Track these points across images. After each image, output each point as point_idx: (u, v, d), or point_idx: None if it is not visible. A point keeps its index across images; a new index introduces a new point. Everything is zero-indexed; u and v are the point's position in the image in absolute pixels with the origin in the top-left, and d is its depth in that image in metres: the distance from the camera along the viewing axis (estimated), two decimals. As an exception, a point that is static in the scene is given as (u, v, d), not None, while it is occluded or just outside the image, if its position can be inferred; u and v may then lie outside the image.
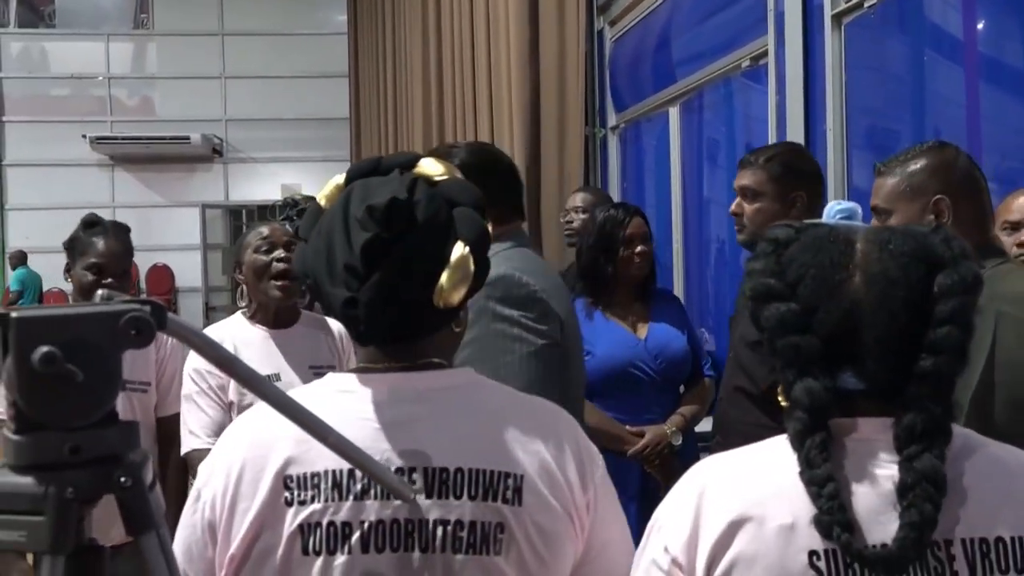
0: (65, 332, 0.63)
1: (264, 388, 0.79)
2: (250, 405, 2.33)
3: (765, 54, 3.32)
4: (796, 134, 3.03)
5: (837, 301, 0.92)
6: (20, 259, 10.71)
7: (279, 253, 2.22)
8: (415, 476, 0.99)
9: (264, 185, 11.39)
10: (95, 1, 12.39)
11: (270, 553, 0.98)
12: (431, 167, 1.07)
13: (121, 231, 2.39)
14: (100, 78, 12.01)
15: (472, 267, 1.01)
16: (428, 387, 1.04)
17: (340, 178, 1.09)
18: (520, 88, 4.81)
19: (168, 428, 2.31)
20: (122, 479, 0.64)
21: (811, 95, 3.02)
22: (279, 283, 2.21)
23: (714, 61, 3.87)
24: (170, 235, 11.72)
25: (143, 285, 11.49)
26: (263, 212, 11.16)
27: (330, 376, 1.09)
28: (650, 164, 4.84)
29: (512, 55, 4.91)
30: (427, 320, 1.03)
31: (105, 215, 2.54)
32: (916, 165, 1.66)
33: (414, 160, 1.09)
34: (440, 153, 1.89)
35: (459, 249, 1.00)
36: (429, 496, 0.99)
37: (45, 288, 10.69)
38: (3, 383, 0.65)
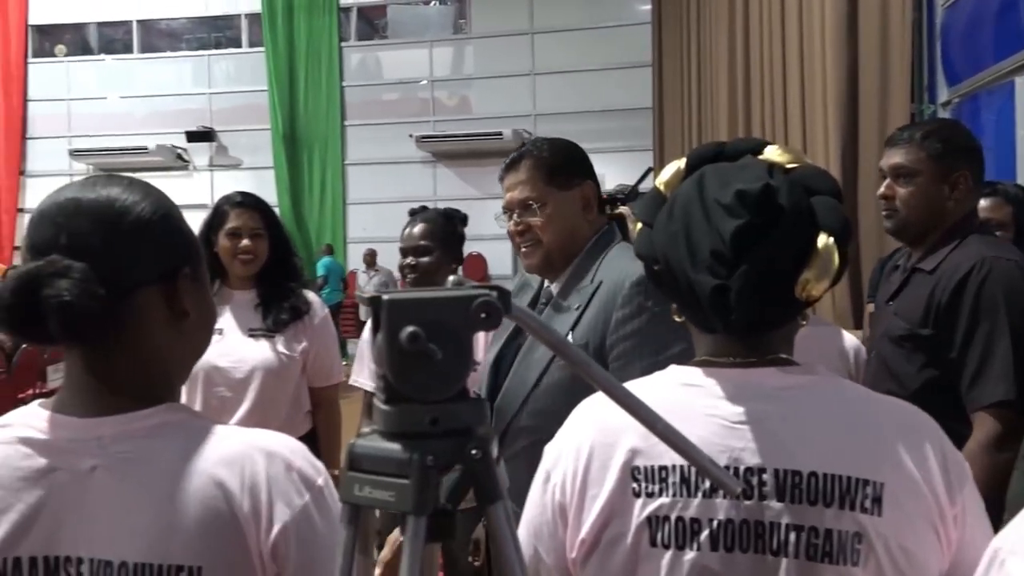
0: (426, 314, 0.69)
1: (594, 373, 0.81)
2: None
3: None
4: None
5: None
6: (327, 251, 12.12)
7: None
8: (765, 477, 0.96)
9: (570, 177, 11.76)
10: (421, 11, 13.51)
11: (619, 541, 0.99)
12: (781, 154, 1.04)
13: (427, 218, 2.65)
14: (424, 82, 13.07)
15: (836, 259, 0.97)
16: (779, 384, 1.00)
17: (680, 163, 1.08)
18: (836, 67, 4.53)
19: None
20: (473, 451, 0.69)
21: None
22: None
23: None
24: (485, 226, 12.36)
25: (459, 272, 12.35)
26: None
27: (673, 368, 1.07)
28: (988, 142, 4.34)
29: (827, 32, 4.63)
30: (785, 311, 1.00)
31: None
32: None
33: (760, 146, 1.05)
34: (538, 143, 1.91)
35: (823, 239, 0.97)
36: (780, 499, 0.95)
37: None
38: (374, 358, 0.73)
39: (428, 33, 13.19)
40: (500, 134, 12.01)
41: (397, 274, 3.56)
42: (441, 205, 2.91)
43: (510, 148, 12.43)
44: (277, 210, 13.20)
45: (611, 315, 1.68)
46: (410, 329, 0.67)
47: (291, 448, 0.96)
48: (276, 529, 0.91)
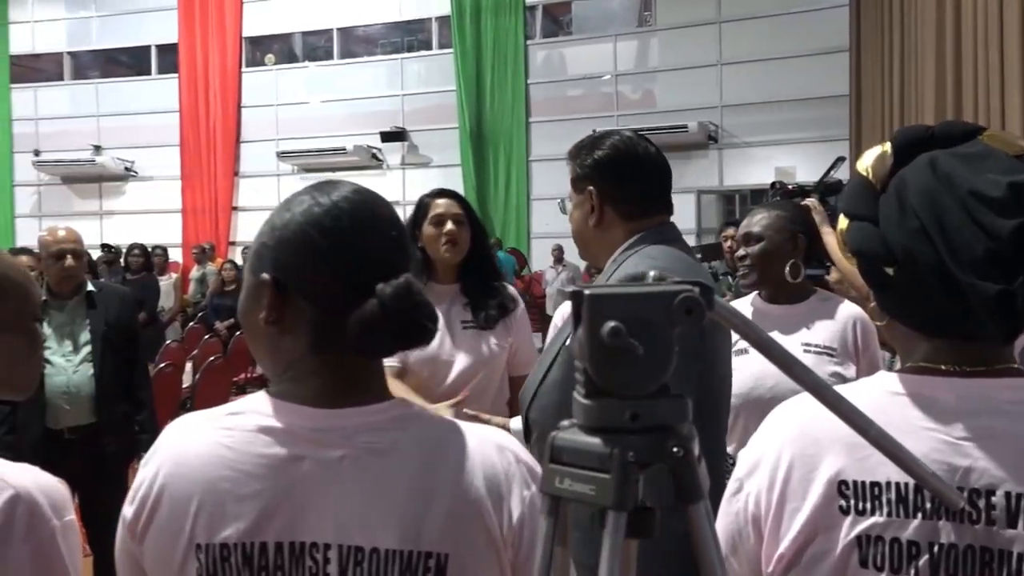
0: (628, 309, 0.68)
1: (801, 373, 0.78)
2: None
3: None
4: None
5: None
6: (496, 245, 12.35)
7: None
8: (994, 500, 0.88)
9: (758, 169, 11.39)
10: (605, 6, 13.49)
11: (823, 559, 0.94)
12: (1003, 138, 0.95)
13: None
14: (608, 76, 13.04)
15: None
16: (1014, 398, 0.91)
17: (885, 148, 1.00)
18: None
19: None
20: (675, 449, 0.69)
21: None
22: None
23: None
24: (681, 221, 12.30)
25: (642, 268, 12.28)
26: (756, 197, 11.18)
27: (882, 375, 0.99)
28: None
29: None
30: None
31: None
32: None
33: (976, 130, 0.96)
34: (581, 145, 1.81)
35: None
36: (1012, 525, 0.87)
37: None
38: (574, 351, 0.74)
39: (612, 27, 13.15)
40: (685, 127, 11.80)
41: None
42: None
43: (695, 141, 12.26)
44: (464, 206, 13.74)
45: None
46: (611, 324, 0.67)
47: (515, 443, 1.01)
48: (515, 518, 0.95)
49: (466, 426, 1.00)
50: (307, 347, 0.96)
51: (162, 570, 0.94)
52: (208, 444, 0.95)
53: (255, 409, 0.96)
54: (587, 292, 0.69)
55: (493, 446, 0.98)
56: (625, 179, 1.77)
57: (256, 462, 0.93)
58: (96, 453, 3.22)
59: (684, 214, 12.62)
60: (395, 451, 0.94)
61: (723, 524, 1.03)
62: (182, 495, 0.93)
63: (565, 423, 0.74)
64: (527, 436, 1.80)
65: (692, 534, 0.69)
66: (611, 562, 0.66)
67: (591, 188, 1.76)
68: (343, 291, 0.92)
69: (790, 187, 3.40)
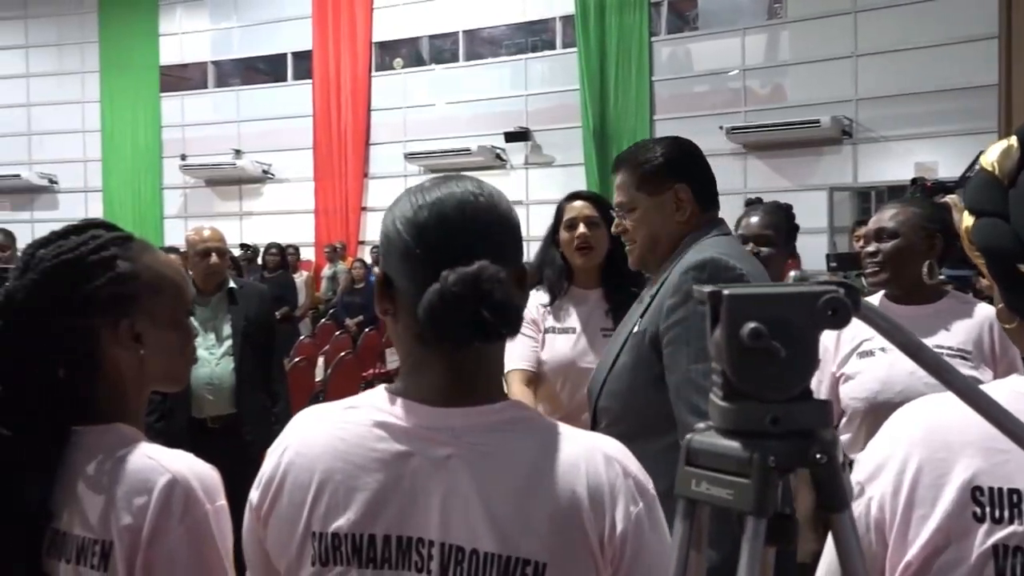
0: (769, 310, 0.67)
1: (952, 377, 0.74)
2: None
3: None
4: None
5: None
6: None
7: None
8: None
9: (895, 165, 10.86)
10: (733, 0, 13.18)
11: (954, 568, 0.90)
12: None
13: (767, 208, 2.59)
14: (735, 71, 12.73)
15: None
16: None
17: (1011, 141, 0.94)
18: None
19: None
20: (818, 455, 0.66)
21: None
22: None
23: None
24: (798, 219, 11.93)
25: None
26: (893, 193, 10.68)
27: (1014, 378, 0.94)
28: None
29: None
30: None
31: (736, 201, 2.79)
32: None
33: None
34: (640, 146, 1.92)
35: None
36: None
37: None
38: (712, 352, 0.72)
39: (740, 21, 12.82)
40: (817, 122, 11.38)
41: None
42: (751, 198, 2.88)
43: (828, 136, 11.85)
44: (587, 205, 13.61)
45: (664, 303, 1.73)
46: (752, 325, 0.65)
47: (626, 454, 0.99)
48: (618, 531, 0.93)
49: (577, 433, 0.99)
50: (413, 338, 0.98)
51: (282, 553, 0.98)
52: (326, 436, 0.99)
53: (371, 404, 1.00)
54: (726, 292, 0.67)
55: (601, 455, 0.96)
56: (705, 172, 1.93)
57: (367, 456, 0.96)
58: (236, 442, 3.39)
59: (815, 212, 12.23)
60: (501, 453, 0.94)
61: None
62: (301, 483, 0.97)
63: (700, 425, 0.73)
64: (594, 424, 1.81)
65: (837, 544, 0.67)
66: (750, 568, 0.65)
67: (679, 185, 1.87)
68: (424, 281, 0.93)
69: (930, 183, 3.24)
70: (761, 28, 12.80)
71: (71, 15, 16.64)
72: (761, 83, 12.72)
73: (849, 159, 11.93)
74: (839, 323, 0.66)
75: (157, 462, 1.09)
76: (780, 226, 2.59)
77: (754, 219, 2.61)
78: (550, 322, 2.58)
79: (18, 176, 16.49)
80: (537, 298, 2.66)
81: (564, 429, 0.99)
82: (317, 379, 6.76)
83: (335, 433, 0.98)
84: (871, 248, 2.39)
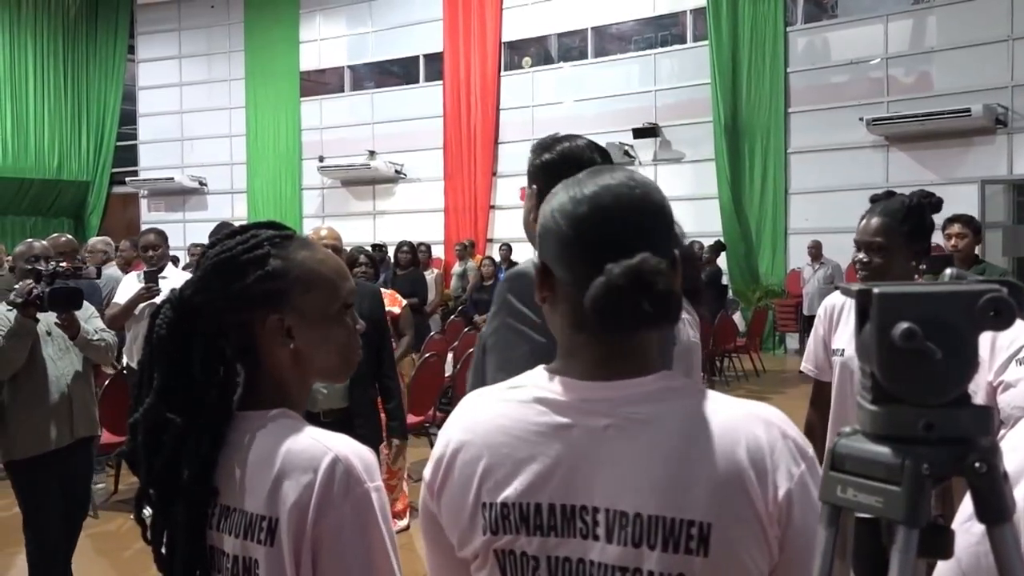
0: (924, 310, 0.63)
1: None
2: None
3: None
4: None
5: None
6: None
7: None
8: None
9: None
10: (876, -15, 12.59)
11: None
12: None
13: (888, 210, 2.41)
14: (877, 60, 12.16)
15: None
16: None
17: None
18: None
19: None
20: (976, 464, 0.63)
21: None
22: None
23: None
24: (945, 215, 11.28)
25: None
26: (1054, 185, 9.94)
27: None
28: None
29: None
30: None
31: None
32: None
33: None
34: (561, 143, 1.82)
35: None
36: None
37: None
38: (858, 353, 0.69)
39: (883, 7, 12.23)
40: (968, 111, 10.73)
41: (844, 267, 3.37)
42: (877, 193, 2.64)
43: (978, 126, 11.15)
44: (716, 202, 13.18)
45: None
46: (905, 325, 0.62)
47: (783, 418, 1.00)
48: (781, 493, 0.94)
49: (731, 399, 1.02)
50: (570, 324, 1.03)
51: (455, 524, 1.05)
52: (491, 414, 1.06)
53: (532, 383, 1.05)
54: (877, 290, 0.64)
55: (758, 420, 0.98)
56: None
57: (530, 429, 1.02)
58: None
59: (965, 207, 11.47)
60: (657, 421, 0.98)
61: (962, 544, 0.89)
62: (470, 459, 1.04)
63: (847, 429, 0.70)
64: None
65: (997, 560, 0.63)
66: (902, 580, 0.61)
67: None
68: (584, 272, 0.96)
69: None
70: (906, 13, 12.17)
71: (220, 26, 17.59)
72: (905, 71, 12.10)
73: (1003, 149, 11.18)
74: (1002, 324, 0.62)
75: (320, 442, 1.16)
76: (896, 229, 2.39)
77: (864, 223, 2.43)
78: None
79: (172, 179, 17.58)
80: None
81: (717, 396, 1.01)
82: (447, 374, 6.89)
83: (499, 411, 1.05)
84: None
